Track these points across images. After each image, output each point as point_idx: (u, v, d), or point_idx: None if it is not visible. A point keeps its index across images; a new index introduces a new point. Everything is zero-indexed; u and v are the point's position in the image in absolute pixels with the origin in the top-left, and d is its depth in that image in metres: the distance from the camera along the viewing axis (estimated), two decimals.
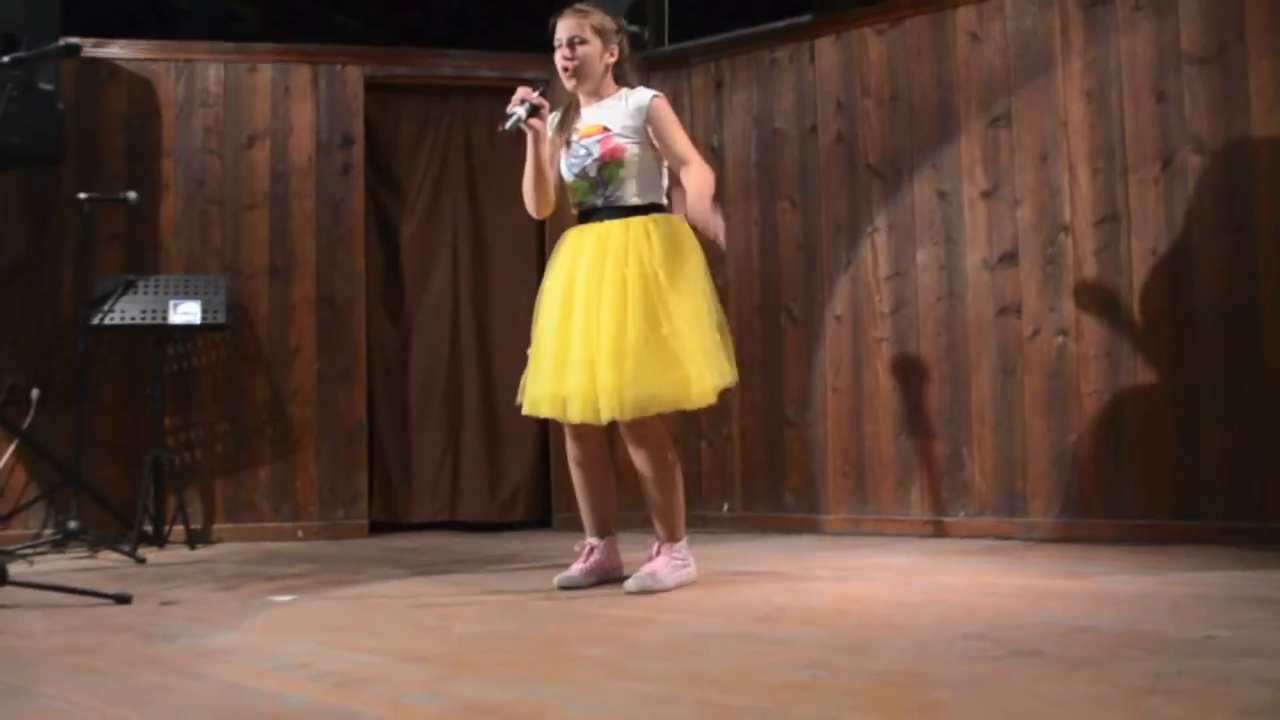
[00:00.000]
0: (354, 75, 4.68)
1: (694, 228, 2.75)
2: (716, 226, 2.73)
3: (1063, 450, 3.86)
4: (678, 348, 2.71)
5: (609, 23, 2.91)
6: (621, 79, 2.93)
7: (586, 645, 2.11)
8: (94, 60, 4.46)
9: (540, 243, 4.80)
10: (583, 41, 2.84)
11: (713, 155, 4.68)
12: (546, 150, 2.89)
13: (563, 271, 2.86)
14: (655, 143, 2.84)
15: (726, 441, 4.64)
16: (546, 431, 4.80)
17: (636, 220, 2.80)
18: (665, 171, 2.91)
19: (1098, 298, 3.82)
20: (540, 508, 4.85)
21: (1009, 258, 4.01)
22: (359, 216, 4.67)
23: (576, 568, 2.91)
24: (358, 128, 4.68)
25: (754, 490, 4.58)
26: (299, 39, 4.77)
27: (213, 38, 4.72)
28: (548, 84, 2.91)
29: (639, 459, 2.82)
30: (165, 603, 2.75)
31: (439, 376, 4.84)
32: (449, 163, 4.93)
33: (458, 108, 4.94)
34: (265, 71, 4.62)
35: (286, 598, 2.81)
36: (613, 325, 2.71)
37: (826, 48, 4.47)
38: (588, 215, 2.87)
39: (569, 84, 2.90)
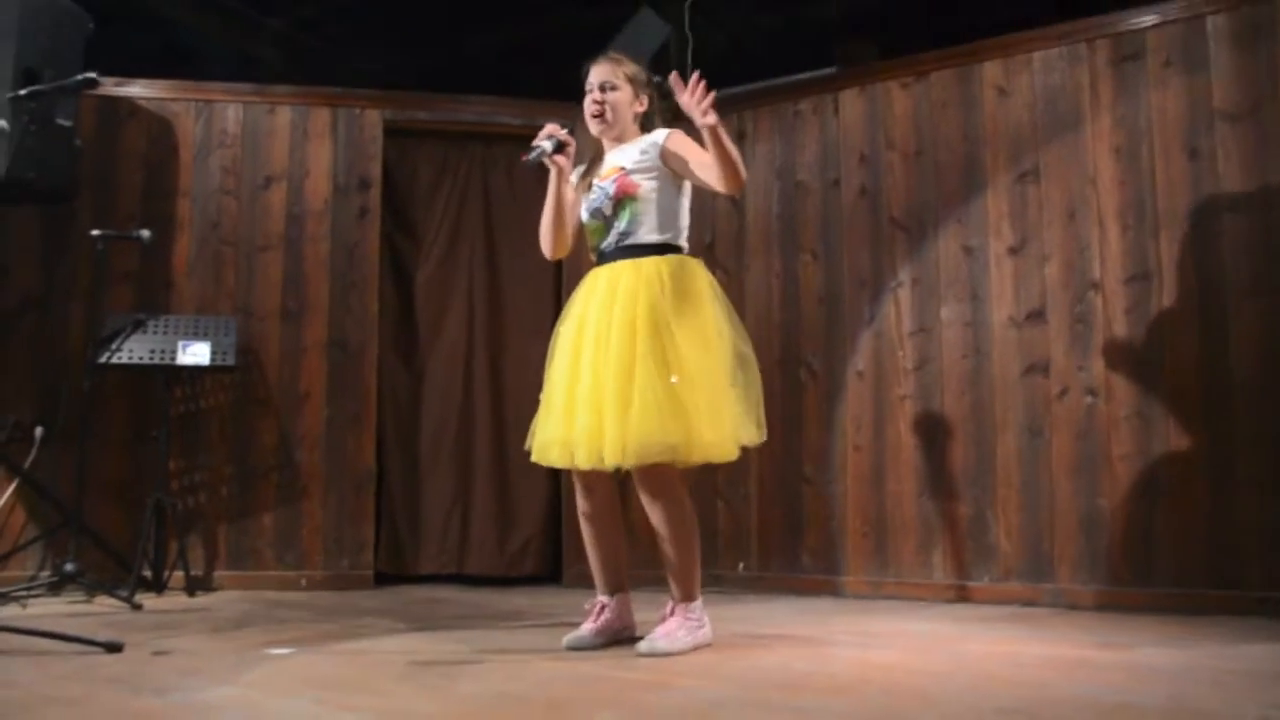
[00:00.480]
0: (373, 119, 4.66)
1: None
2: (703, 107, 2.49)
3: (1092, 514, 3.72)
4: (685, 395, 2.60)
5: (641, 73, 2.87)
6: (648, 129, 2.87)
7: (595, 710, 1.99)
8: (114, 99, 4.45)
9: (557, 290, 4.74)
10: (614, 88, 2.81)
11: (733, 207, 4.63)
12: (568, 190, 2.83)
13: (575, 315, 2.79)
14: (679, 169, 2.74)
15: (743, 499, 4.52)
16: (559, 483, 4.69)
17: (649, 261, 2.72)
18: (685, 211, 2.83)
19: (1128, 357, 3.72)
20: (551, 562, 4.72)
21: (1036, 315, 3.91)
22: (374, 260, 4.61)
23: (586, 627, 2.80)
24: (375, 171, 4.65)
25: (771, 550, 4.44)
26: (319, 83, 4.76)
27: (233, 80, 4.71)
28: (572, 129, 2.87)
29: (654, 513, 2.71)
30: (158, 652, 2.63)
31: (450, 425, 4.75)
32: (466, 208, 4.89)
33: (476, 154, 4.91)
34: (284, 113, 4.60)
35: (284, 650, 2.70)
36: (619, 369, 2.62)
37: (851, 100, 4.43)
38: (603, 257, 2.81)
39: (595, 129, 2.86)
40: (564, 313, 2.87)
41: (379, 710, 1.97)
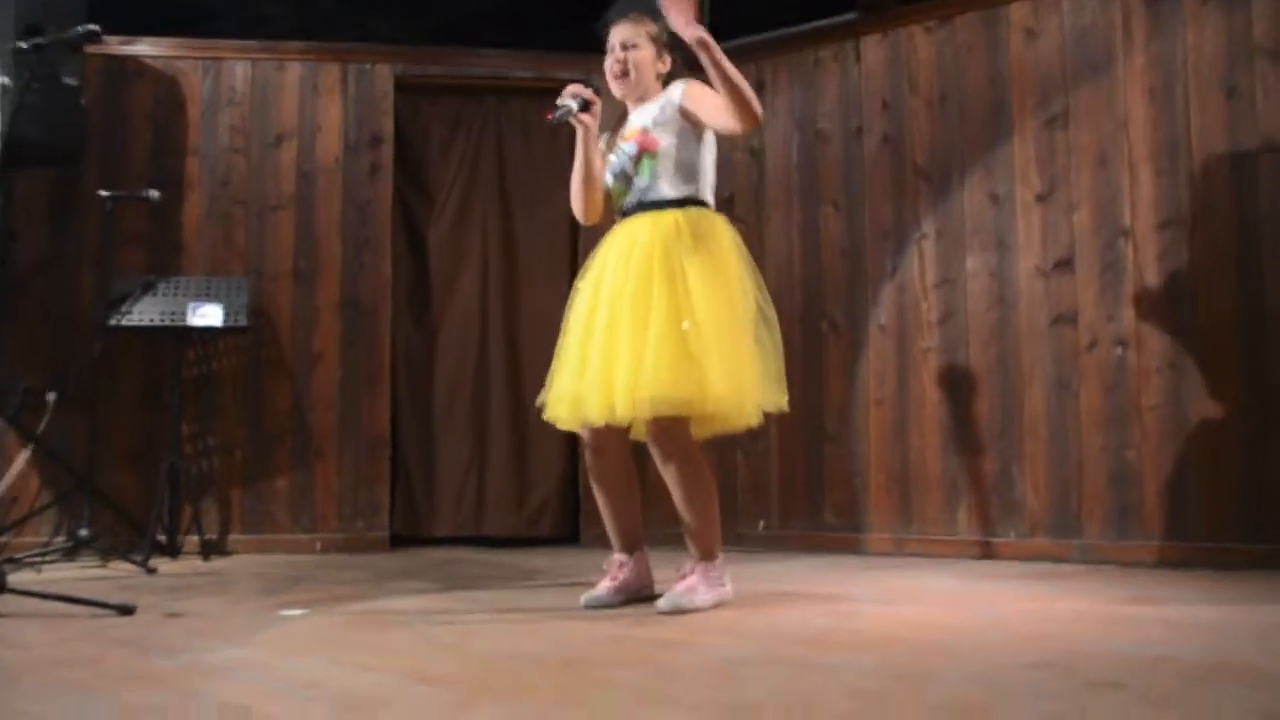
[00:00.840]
0: (384, 74, 4.57)
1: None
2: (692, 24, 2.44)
3: (1121, 468, 3.63)
4: (698, 344, 2.51)
5: (663, 32, 2.76)
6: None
7: (615, 669, 1.93)
8: (120, 57, 4.38)
9: (573, 247, 4.66)
10: (636, 46, 2.72)
11: (752, 159, 4.52)
12: (596, 149, 2.74)
13: (593, 270, 2.73)
14: (699, 117, 2.64)
15: (764, 455, 4.44)
16: (576, 442, 4.61)
17: (668, 214, 2.64)
18: (708, 166, 2.72)
19: (1160, 306, 3.60)
20: (569, 523, 4.67)
21: (1065, 264, 3.80)
22: (386, 218, 4.53)
23: (604, 586, 2.74)
24: (387, 128, 4.56)
25: (792, 507, 4.38)
26: (329, 39, 4.66)
27: (242, 38, 4.61)
28: (596, 88, 2.77)
29: (668, 473, 2.63)
30: (170, 614, 2.60)
31: (466, 385, 4.69)
32: (480, 165, 4.80)
33: (490, 109, 4.81)
34: (293, 70, 4.51)
35: (298, 612, 2.66)
36: (634, 320, 2.54)
37: (872, 46, 4.29)
38: (624, 215, 2.73)
39: (618, 89, 2.76)
40: (583, 270, 2.80)
41: (394, 671, 1.92)
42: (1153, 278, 3.62)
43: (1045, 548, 3.74)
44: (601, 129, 2.77)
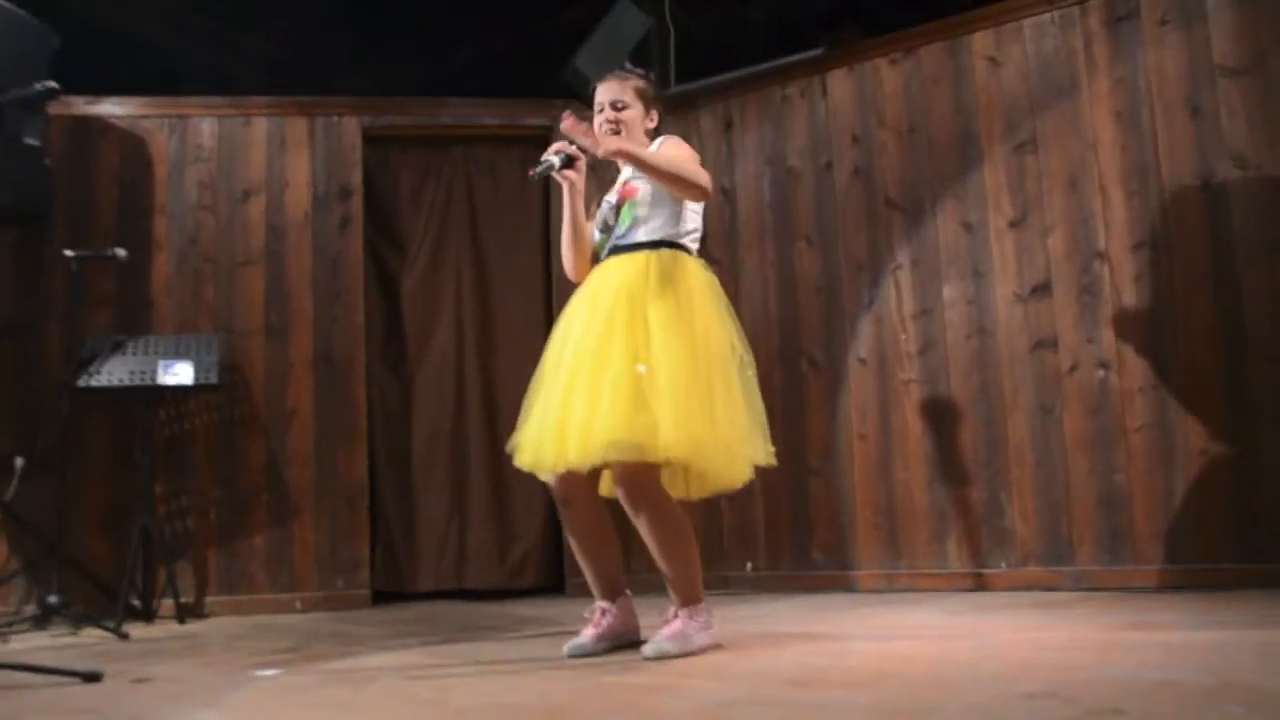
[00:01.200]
0: (351, 126, 4.55)
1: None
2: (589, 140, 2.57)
3: (1110, 491, 3.59)
4: (650, 388, 2.44)
5: (650, 88, 2.77)
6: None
7: (600, 716, 1.86)
8: (85, 117, 4.35)
9: (548, 295, 4.62)
10: (625, 106, 2.70)
11: (724, 198, 4.51)
12: (580, 204, 2.72)
13: (566, 315, 2.69)
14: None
15: (748, 494, 4.36)
16: None
17: (639, 255, 2.61)
18: (689, 214, 2.68)
19: (1140, 327, 3.59)
20: (552, 573, 4.58)
21: (1042, 289, 3.78)
22: (358, 270, 4.49)
23: (587, 633, 2.65)
24: (356, 179, 4.53)
25: (779, 547, 4.31)
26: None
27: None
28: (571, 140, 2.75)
29: (639, 524, 2.56)
30: (138, 680, 2.50)
31: (443, 436, 4.62)
32: (451, 213, 4.77)
33: (458, 157, 4.80)
34: (260, 125, 4.49)
35: (271, 672, 2.56)
36: (594, 365, 2.49)
37: (839, 81, 4.31)
38: (597, 261, 2.72)
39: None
40: (560, 315, 2.75)
41: None
42: (1131, 299, 3.61)
43: (1037, 576, 3.68)
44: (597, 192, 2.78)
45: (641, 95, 2.72)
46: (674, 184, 2.54)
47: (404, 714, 1.98)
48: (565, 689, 2.18)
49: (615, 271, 2.61)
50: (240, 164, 4.45)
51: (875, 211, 4.18)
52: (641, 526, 2.55)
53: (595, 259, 2.75)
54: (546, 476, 2.62)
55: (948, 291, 3.98)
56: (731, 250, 4.49)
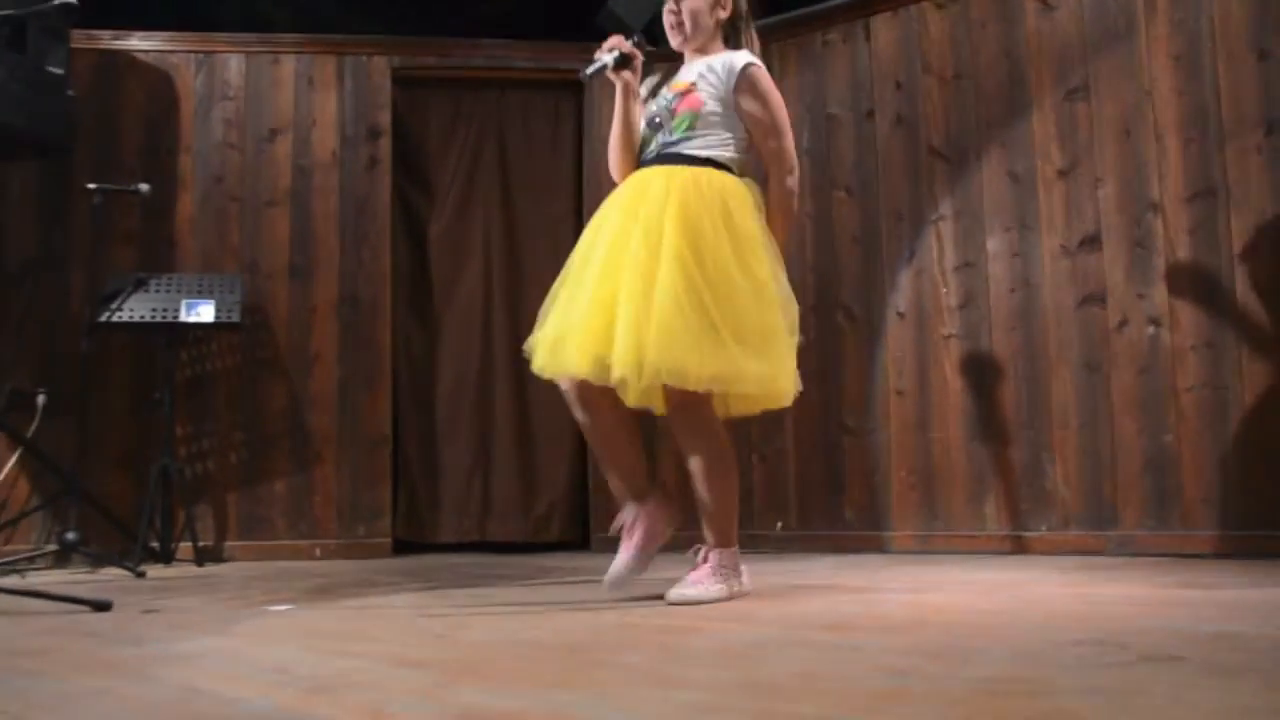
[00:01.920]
0: (381, 66, 4.44)
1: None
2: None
3: (1158, 454, 3.43)
4: (718, 317, 2.29)
5: None
6: (733, 40, 2.61)
7: (620, 653, 1.76)
8: (112, 52, 4.27)
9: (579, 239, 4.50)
10: None
11: None
12: (636, 108, 2.55)
13: (596, 220, 2.52)
14: (741, 112, 2.49)
15: (779, 454, 4.26)
16: (585, 443, 4.45)
17: (684, 169, 2.44)
18: (743, 139, 2.52)
19: (1193, 281, 3.42)
20: (578, 526, 4.49)
21: (1091, 241, 3.62)
22: (385, 213, 4.39)
23: (624, 555, 2.44)
24: (385, 120, 4.43)
25: (811, 506, 4.19)
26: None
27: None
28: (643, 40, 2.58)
29: (689, 449, 2.43)
30: (147, 610, 2.44)
31: (469, 385, 4.53)
32: (481, 158, 4.66)
33: (490, 100, 4.68)
34: (288, 63, 4.39)
35: (283, 607, 2.49)
36: (639, 275, 2.30)
37: (883, 25, 4.15)
38: (642, 165, 2.53)
39: (675, 42, 2.59)
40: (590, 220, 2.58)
41: (373, 656, 1.75)
42: (1185, 252, 3.44)
43: (1079, 541, 3.54)
44: (651, 74, 2.60)
45: None
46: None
47: (411, 645, 1.90)
48: (585, 628, 2.09)
49: (657, 180, 2.42)
50: (268, 102, 4.36)
51: (918, 161, 4.03)
52: (690, 449, 2.42)
53: (639, 151, 2.57)
54: (562, 380, 2.42)
55: (992, 244, 3.83)
56: (766, 198, 4.34)
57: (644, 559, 2.46)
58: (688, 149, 2.47)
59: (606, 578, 2.44)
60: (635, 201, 2.42)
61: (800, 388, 2.49)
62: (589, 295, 2.34)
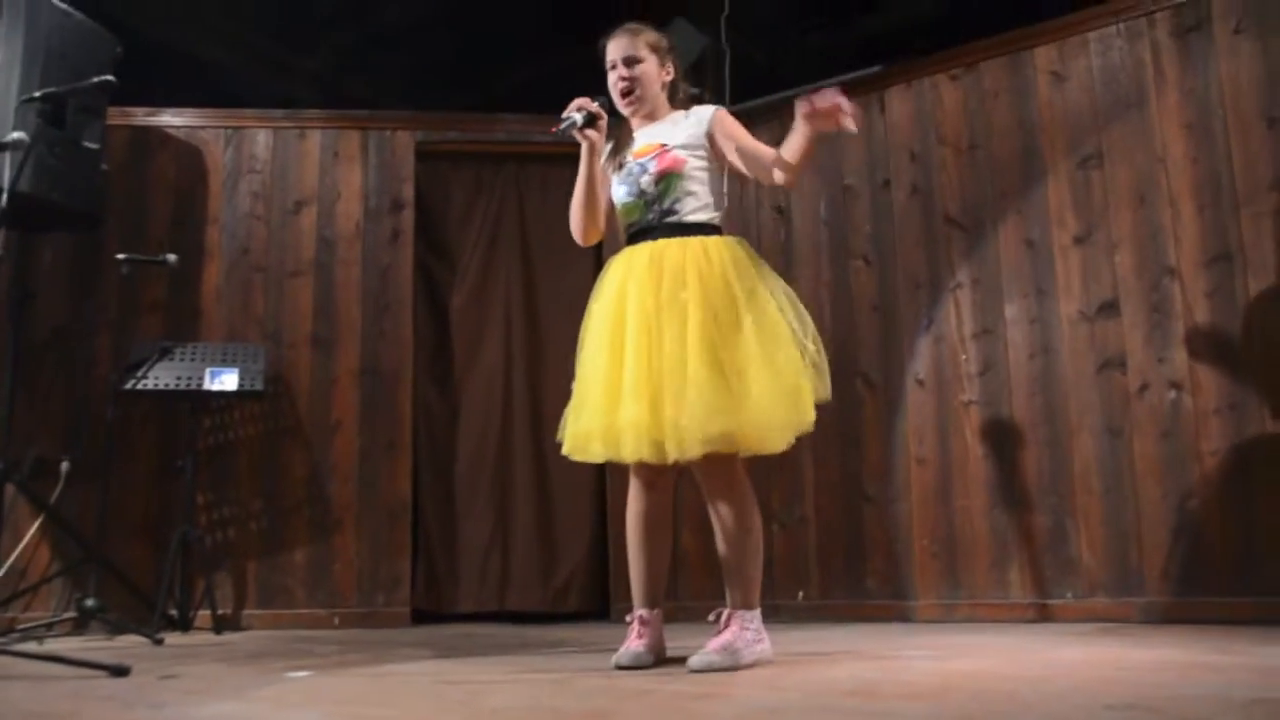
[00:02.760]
0: (404, 141, 4.55)
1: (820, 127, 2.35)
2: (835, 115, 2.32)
3: (1183, 519, 3.40)
4: (750, 380, 2.36)
5: (663, 40, 2.68)
6: (675, 99, 2.69)
7: (641, 719, 1.74)
8: (145, 128, 4.40)
9: None
10: (638, 60, 2.61)
11: (780, 216, 4.43)
12: (598, 166, 2.63)
13: (611, 294, 2.54)
14: (726, 151, 2.56)
15: (800, 522, 4.24)
16: (604, 513, 4.45)
17: (694, 240, 2.50)
18: (725, 193, 2.62)
19: (1213, 345, 3.42)
20: (597, 597, 4.45)
21: (1109, 307, 3.63)
22: (408, 284, 4.46)
23: (635, 644, 2.50)
24: (408, 193, 4.52)
25: (832, 575, 4.15)
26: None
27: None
28: (603, 104, 2.66)
29: (720, 509, 2.46)
30: (165, 676, 2.42)
31: (489, 454, 4.53)
32: (502, 230, 4.73)
33: (510, 174, 4.77)
34: (314, 137, 4.50)
35: (303, 674, 2.48)
36: (675, 353, 2.38)
37: (898, 97, 4.23)
38: (640, 235, 2.57)
39: (626, 108, 2.65)
40: (595, 292, 2.62)
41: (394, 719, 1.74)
42: (1204, 316, 3.44)
43: (1105, 608, 3.49)
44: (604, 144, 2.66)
45: (654, 48, 2.63)
46: (795, 176, 2.46)
47: (434, 711, 1.88)
48: (606, 694, 2.06)
49: (672, 254, 2.48)
50: (293, 175, 4.46)
51: (934, 229, 4.07)
52: (722, 509, 2.46)
53: (610, 219, 2.66)
54: (612, 458, 2.49)
55: (1010, 310, 3.85)
56: (786, 268, 4.38)
57: (654, 656, 2.51)
58: (687, 216, 2.53)
59: (616, 659, 2.47)
60: (656, 277, 2.47)
61: (828, 395, 2.48)
62: (634, 388, 2.39)
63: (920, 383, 4.02)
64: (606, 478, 4.40)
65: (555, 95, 4.87)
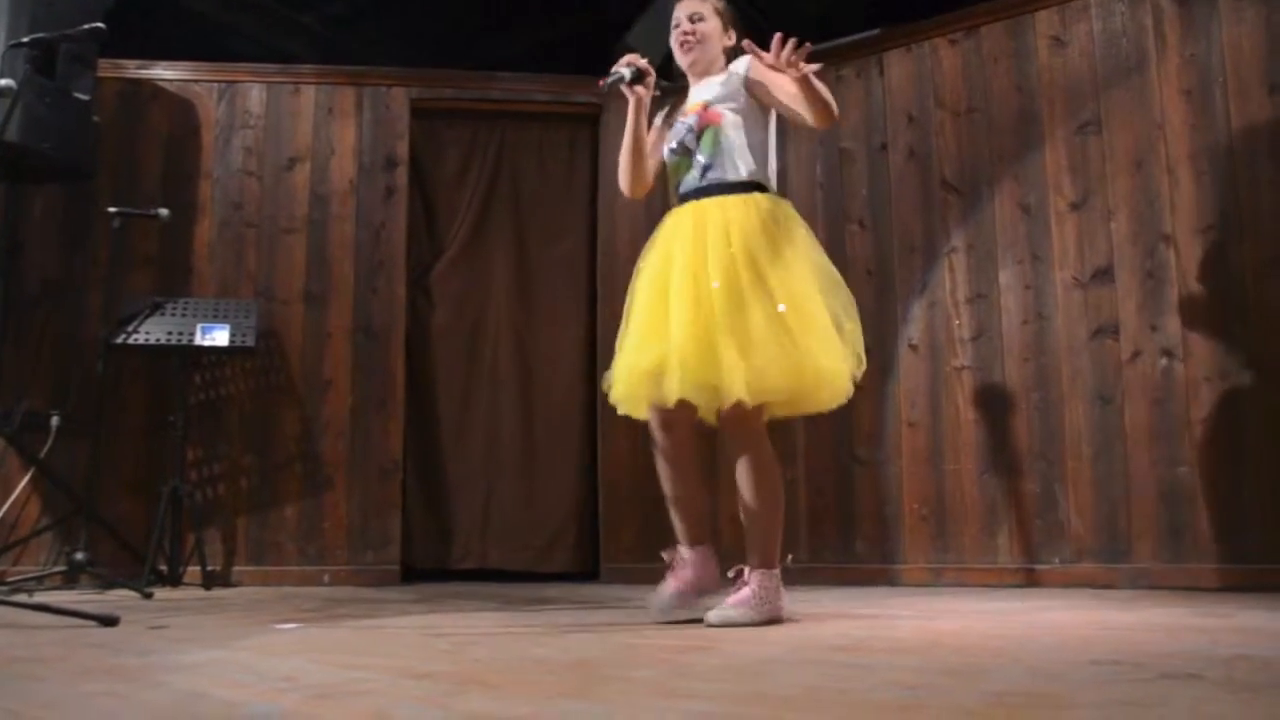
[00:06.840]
0: (399, 97, 4.50)
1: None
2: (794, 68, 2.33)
3: (1172, 486, 3.41)
4: (795, 329, 2.39)
5: (729, 8, 2.72)
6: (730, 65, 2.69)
7: (628, 669, 1.74)
8: (137, 81, 4.34)
9: (591, 275, 4.55)
10: (703, 19, 2.65)
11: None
12: (645, 122, 2.64)
13: (659, 253, 2.58)
14: (763, 96, 2.55)
15: (790, 485, 4.20)
16: (593, 474, 4.46)
17: (735, 198, 2.51)
18: (771, 149, 2.61)
19: (1206, 313, 3.41)
20: (586, 557, 4.47)
21: (1103, 273, 3.62)
22: (401, 242, 4.43)
23: (671, 587, 2.53)
24: (402, 150, 4.48)
25: (822, 538, 4.16)
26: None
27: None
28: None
29: (744, 463, 2.48)
30: (154, 626, 2.43)
31: (479, 415, 4.53)
32: (496, 189, 4.70)
33: (506, 133, 4.73)
34: (308, 93, 4.46)
35: (290, 626, 2.48)
36: (729, 307, 2.39)
37: (896, 60, 4.19)
38: (686, 197, 2.60)
39: (684, 60, 2.68)
40: (645, 251, 2.64)
41: (380, 668, 1.74)
42: (1198, 284, 3.44)
43: (1092, 573, 3.51)
44: (661, 106, 2.70)
45: (719, 13, 2.67)
46: (822, 109, 2.43)
47: (421, 660, 1.88)
48: (593, 646, 2.07)
49: (714, 213, 2.50)
50: (287, 131, 4.42)
51: (930, 193, 4.05)
52: (743, 464, 2.48)
53: (659, 175, 2.70)
54: (656, 404, 2.50)
55: (1004, 276, 3.83)
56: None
57: (687, 599, 2.53)
58: (729, 175, 2.53)
59: (651, 601, 2.51)
60: (699, 237, 2.49)
61: (864, 366, 2.51)
62: (684, 332, 2.41)
63: (913, 347, 4.02)
64: (598, 442, 4.41)
65: (550, 62, 4.84)
